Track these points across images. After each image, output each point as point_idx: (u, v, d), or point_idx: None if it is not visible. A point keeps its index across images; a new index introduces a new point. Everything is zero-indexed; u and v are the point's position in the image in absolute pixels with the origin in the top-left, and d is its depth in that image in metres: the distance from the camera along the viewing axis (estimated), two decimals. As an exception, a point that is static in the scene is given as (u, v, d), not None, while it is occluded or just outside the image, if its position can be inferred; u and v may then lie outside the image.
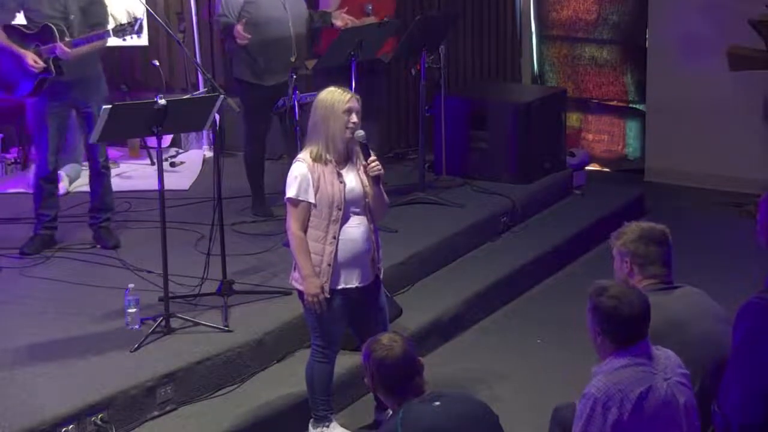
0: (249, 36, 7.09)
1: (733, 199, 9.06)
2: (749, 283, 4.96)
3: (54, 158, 6.91)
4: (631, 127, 10.15)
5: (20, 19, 6.91)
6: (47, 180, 6.96)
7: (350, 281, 5.18)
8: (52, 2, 6.69)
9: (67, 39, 6.61)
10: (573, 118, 10.12)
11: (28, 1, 6.72)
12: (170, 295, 5.88)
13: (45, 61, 6.61)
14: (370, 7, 7.67)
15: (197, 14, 9.30)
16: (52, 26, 6.60)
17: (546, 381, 6.06)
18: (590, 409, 3.94)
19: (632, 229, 4.60)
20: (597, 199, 8.74)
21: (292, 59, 7.11)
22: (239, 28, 7.09)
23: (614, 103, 10.22)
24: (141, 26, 6.47)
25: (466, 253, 7.50)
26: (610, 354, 4.05)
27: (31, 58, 6.58)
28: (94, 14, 6.84)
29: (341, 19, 7.46)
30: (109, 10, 7.04)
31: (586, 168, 9.51)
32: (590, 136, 10.34)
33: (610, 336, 4.03)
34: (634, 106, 10.11)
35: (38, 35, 6.64)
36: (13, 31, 6.73)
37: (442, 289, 6.99)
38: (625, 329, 4.02)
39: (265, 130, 7.50)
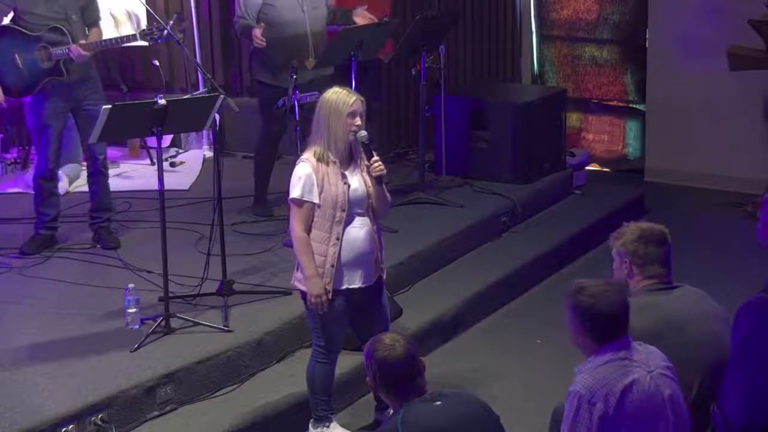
0: (264, 40, 7.09)
1: (733, 199, 9.06)
2: (749, 283, 4.96)
3: (55, 158, 6.91)
4: (631, 127, 10.16)
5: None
6: (46, 179, 6.96)
7: (353, 282, 5.18)
8: (49, 4, 6.68)
9: (82, 41, 6.64)
10: (573, 118, 10.12)
11: (20, 3, 6.71)
12: (170, 295, 5.88)
13: (55, 63, 6.63)
14: (366, 7, 7.63)
15: (197, 14, 9.30)
16: (63, 28, 6.62)
17: (546, 381, 6.06)
18: (576, 407, 3.97)
19: (631, 229, 4.60)
20: (597, 199, 8.74)
21: (310, 60, 7.12)
22: (257, 32, 7.09)
23: (614, 103, 10.22)
24: (169, 33, 6.44)
25: (466, 253, 7.50)
26: (592, 352, 4.07)
27: None
28: (91, 13, 6.91)
29: (363, 17, 7.45)
30: (108, 9, 7.08)
31: (586, 168, 9.51)
32: (590, 136, 10.34)
33: (590, 334, 4.06)
34: (634, 106, 10.12)
35: (45, 37, 6.64)
36: (12, 32, 6.72)
37: (442, 289, 6.99)
38: (604, 326, 4.04)
39: (280, 131, 7.48)
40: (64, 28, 6.63)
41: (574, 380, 4.05)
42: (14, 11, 6.77)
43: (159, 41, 6.55)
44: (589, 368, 4.04)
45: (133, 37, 6.70)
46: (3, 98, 6.75)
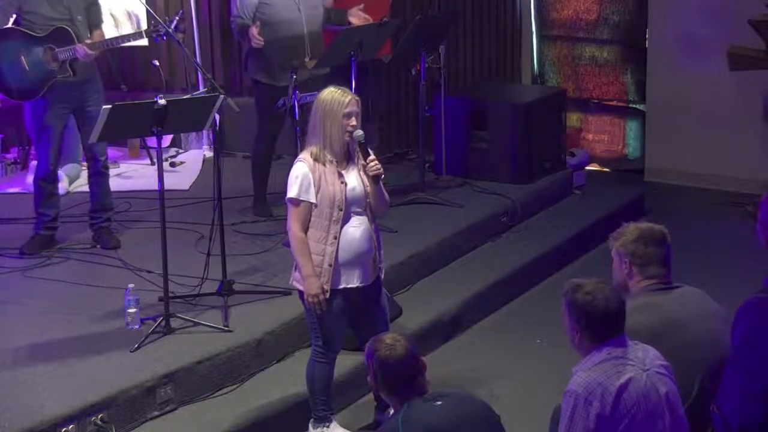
0: (262, 39, 7.09)
1: (733, 199, 9.06)
2: (749, 283, 4.95)
3: (55, 158, 6.91)
4: (631, 127, 10.16)
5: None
6: (47, 180, 6.96)
7: (351, 281, 5.18)
8: (54, 4, 6.68)
9: (88, 41, 6.64)
10: (573, 118, 10.12)
11: (25, 3, 6.70)
12: (170, 295, 5.88)
13: (61, 64, 6.63)
14: (362, 7, 7.64)
15: (197, 14, 9.30)
16: (69, 29, 6.61)
17: (546, 381, 6.06)
18: (573, 406, 3.97)
19: (631, 229, 4.60)
20: (597, 199, 8.74)
21: (307, 60, 7.12)
22: (254, 31, 7.08)
23: (614, 103, 10.22)
24: (174, 28, 6.44)
25: (466, 253, 7.50)
26: (588, 351, 4.07)
27: None
28: (95, 14, 6.90)
29: (358, 17, 7.45)
30: (108, 9, 7.09)
31: (586, 168, 9.51)
32: (590, 136, 10.34)
33: (587, 332, 4.06)
34: (634, 106, 10.12)
35: (51, 38, 6.63)
36: (18, 33, 6.69)
37: (442, 289, 6.99)
38: (601, 324, 4.04)
39: (276, 130, 7.49)
40: (70, 29, 6.63)
41: (571, 380, 4.05)
42: (18, 11, 6.74)
43: (165, 38, 6.55)
44: (584, 367, 4.05)
45: (138, 35, 6.71)
46: None
